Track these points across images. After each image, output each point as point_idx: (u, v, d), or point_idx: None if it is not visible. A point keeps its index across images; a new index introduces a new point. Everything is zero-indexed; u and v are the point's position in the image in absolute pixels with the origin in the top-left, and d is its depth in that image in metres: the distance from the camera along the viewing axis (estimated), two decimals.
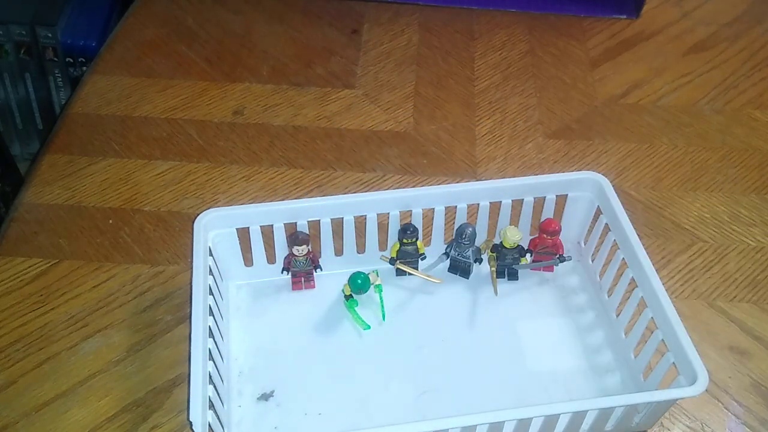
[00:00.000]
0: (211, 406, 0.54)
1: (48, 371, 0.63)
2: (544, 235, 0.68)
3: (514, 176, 0.75)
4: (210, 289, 0.60)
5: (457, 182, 0.79)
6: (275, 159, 0.82)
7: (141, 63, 0.94)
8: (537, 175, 0.77)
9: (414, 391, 0.62)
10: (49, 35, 1.36)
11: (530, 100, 0.90)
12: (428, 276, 0.68)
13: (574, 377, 0.63)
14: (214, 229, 0.65)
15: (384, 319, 0.66)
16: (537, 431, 0.56)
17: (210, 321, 0.58)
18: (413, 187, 0.78)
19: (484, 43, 0.98)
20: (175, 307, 0.68)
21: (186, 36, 0.98)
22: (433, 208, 0.67)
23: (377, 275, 0.67)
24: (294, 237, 0.65)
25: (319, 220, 0.66)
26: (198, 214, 0.64)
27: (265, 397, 0.61)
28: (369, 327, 0.66)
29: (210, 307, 0.59)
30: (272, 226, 0.66)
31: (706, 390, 0.53)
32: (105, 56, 0.96)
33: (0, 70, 1.42)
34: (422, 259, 0.69)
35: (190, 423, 0.50)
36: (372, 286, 0.67)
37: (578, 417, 0.55)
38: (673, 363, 0.57)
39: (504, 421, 0.52)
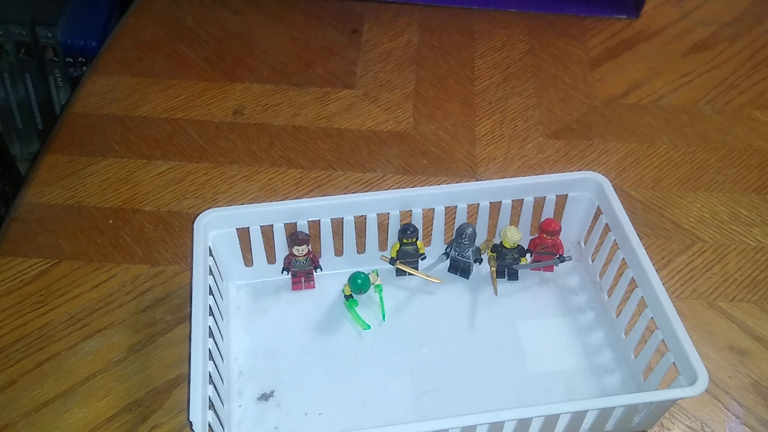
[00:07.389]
0: (211, 406, 0.54)
1: (48, 371, 0.63)
2: (544, 235, 0.68)
3: (514, 176, 0.75)
4: (210, 289, 0.60)
5: (457, 182, 0.79)
6: (275, 159, 0.82)
7: (141, 63, 0.94)
8: (537, 175, 0.77)
9: (414, 391, 0.62)
10: (49, 35, 1.36)
11: (530, 100, 0.90)
12: (428, 276, 0.68)
13: (574, 377, 0.63)
14: (214, 229, 0.65)
15: (384, 319, 0.66)
16: (537, 431, 0.56)
17: (210, 321, 0.58)
18: (413, 187, 0.78)
19: (484, 43, 0.98)
20: (175, 307, 0.68)
21: (186, 36, 0.98)
22: (433, 208, 0.67)
23: (377, 275, 0.67)
24: (294, 237, 0.65)
25: (319, 220, 0.66)
26: (198, 214, 0.64)
27: (265, 397, 0.61)
28: (369, 327, 0.66)
29: (210, 307, 0.59)
30: (272, 226, 0.66)
31: (706, 390, 0.53)
32: (105, 56, 0.96)
33: (0, 70, 1.42)
34: (422, 259, 0.69)
35: (190, 423, 0.50)
36: (372, 286, 0.67)
37: (578, 417, 0.55)
38: (673, 363, 0.57)
39: (504, 421, 0.52)
